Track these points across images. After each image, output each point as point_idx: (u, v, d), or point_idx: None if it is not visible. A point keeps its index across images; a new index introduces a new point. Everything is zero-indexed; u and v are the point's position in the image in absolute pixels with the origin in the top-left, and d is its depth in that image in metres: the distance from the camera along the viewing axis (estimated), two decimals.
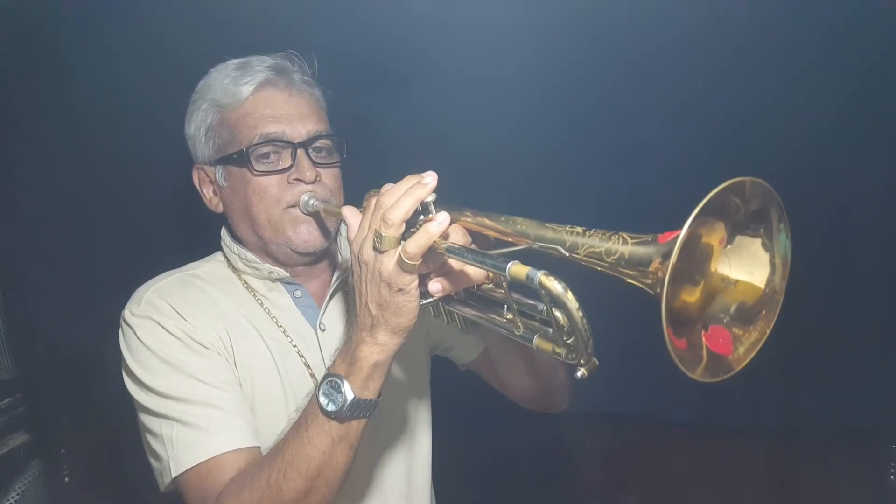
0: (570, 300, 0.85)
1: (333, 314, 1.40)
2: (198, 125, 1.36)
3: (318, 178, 1.31)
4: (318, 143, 1.32)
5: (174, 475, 1.18)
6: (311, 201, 1.29)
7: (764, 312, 0.85)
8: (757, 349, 0.85)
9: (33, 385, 2.20)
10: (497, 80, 2.24)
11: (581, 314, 0.85)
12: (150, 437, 1.24)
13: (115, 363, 1.31)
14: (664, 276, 0.74)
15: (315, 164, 1.31)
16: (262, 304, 1.35)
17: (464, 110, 2.12)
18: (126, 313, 1.28)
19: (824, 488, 2.40)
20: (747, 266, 0.84)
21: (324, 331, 1.38)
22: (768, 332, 0.85)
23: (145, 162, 2.14)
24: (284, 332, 1.35)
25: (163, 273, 1.36)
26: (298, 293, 1.39)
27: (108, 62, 2.09)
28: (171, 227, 2.18)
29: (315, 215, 1.31)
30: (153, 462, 1.25)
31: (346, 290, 1.41)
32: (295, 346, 1.34)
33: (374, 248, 1.01)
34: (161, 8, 2.06)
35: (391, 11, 2.16)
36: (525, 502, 2.63)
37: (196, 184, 1.41)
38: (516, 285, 0.92)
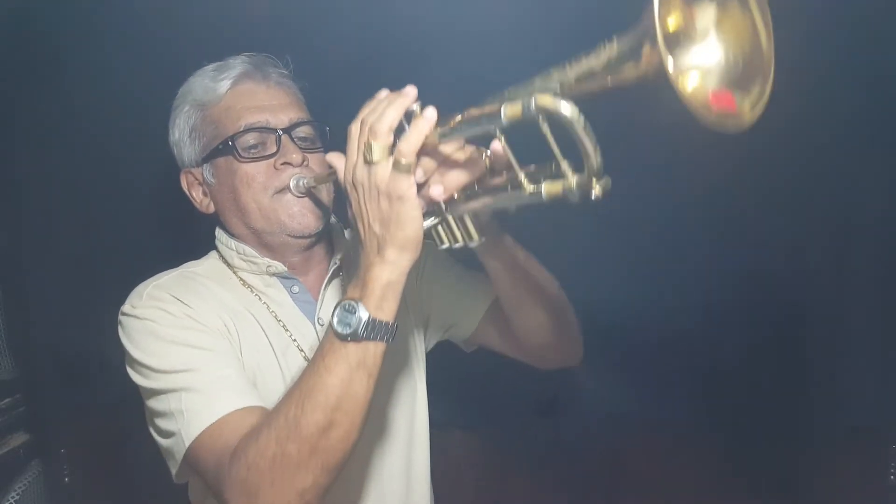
0: (566, 106, 0.83)
1: (331, 307, 1.39)
2: (182, 128, 1.36)
3: (305, 162, 1.31)
4: (300, 132, 1.33)
5: (187, 444, 1.14)
6: (302, 181, 1.28)
7: (759, 67, 0.86)
8: (760, 105, 0.84)
9: (33, 385, 2.21)
10: (497, 81, 2.23)
11: (582, 118, 0.83)
12: (158, 421, 1.21)
13: (115, 363, 1.30)
14: (658, 35, 0.73)
15: (300, 148, 1.31)
16: (260, 299, 1.35)
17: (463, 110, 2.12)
18: (126, 307, 1.26)
19: (824, 488, 2.40)
20: (732, 30, 0.84)
21: (322, 325, 1.37)
22: (767, 89, 0.85)
23: (146, 162, 2.13)
24: (284, 326, 1.34)
25: (160, 273, 1.35)
26: (296, 289, 1.38)
27: (109, 64, 2.09)
28: (172, 228, 2.17)
29: (308, 195, 1.31)
30: (164, 444, 1.21)
31: (343, 284, 1.41)
32: (294, 340, 1.34)
33: (366, 162, 1.01)
34: (164, 9, 2.06)
35: (391, 12, 2.16)
36: (524, 501, 2.64)
37: (185, 189, 1.40)
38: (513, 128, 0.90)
